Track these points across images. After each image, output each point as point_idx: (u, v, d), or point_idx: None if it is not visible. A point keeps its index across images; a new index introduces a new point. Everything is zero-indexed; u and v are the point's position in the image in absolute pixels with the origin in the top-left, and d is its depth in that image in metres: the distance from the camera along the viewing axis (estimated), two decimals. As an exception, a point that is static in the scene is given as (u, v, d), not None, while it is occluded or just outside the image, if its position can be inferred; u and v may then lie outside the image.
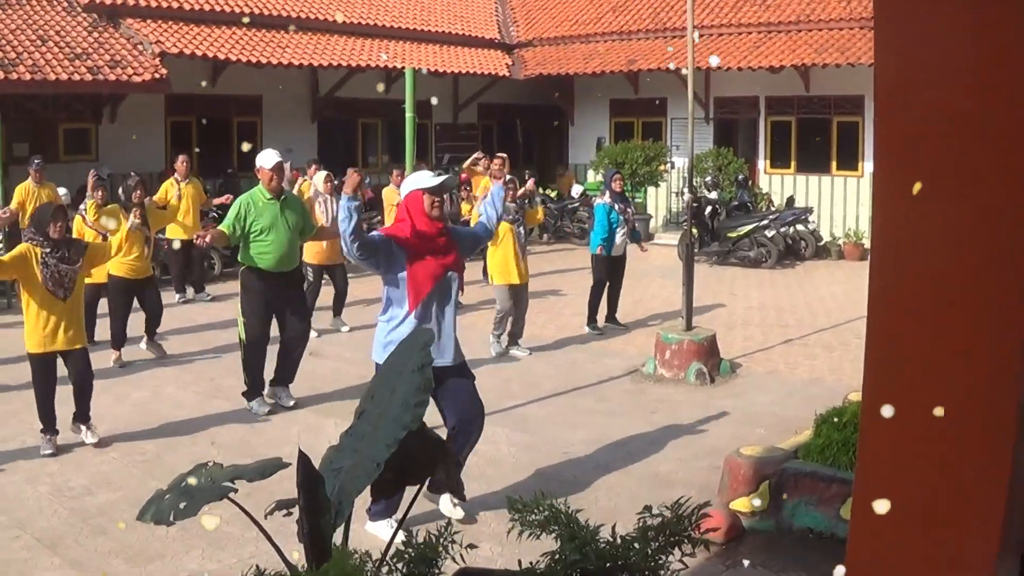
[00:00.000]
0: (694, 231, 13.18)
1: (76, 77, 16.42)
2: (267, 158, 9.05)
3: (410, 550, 3.23)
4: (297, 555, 3.21)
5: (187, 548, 6.05)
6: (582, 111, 25.45)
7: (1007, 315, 2.28)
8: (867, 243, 18.07)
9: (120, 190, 11.14)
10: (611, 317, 12.85)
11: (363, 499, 3.55)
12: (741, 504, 6.47)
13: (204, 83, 18.42)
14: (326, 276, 12.82)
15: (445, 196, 6.42)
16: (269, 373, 9.26)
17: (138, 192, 10.57)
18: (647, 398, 9.61)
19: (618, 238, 12.39)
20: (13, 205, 13.64)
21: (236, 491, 3.15)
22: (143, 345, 11.24)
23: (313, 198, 12.81)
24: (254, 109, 21.48)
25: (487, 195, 7.11)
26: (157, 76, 17.27)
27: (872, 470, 2.55)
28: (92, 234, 10.50)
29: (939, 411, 2.32)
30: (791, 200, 21.04)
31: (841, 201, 21.14)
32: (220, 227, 8.97)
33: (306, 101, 22.48)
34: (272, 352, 9.29)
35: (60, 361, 8.04)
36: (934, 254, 2.37)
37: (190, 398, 9.59)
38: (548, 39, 25.72)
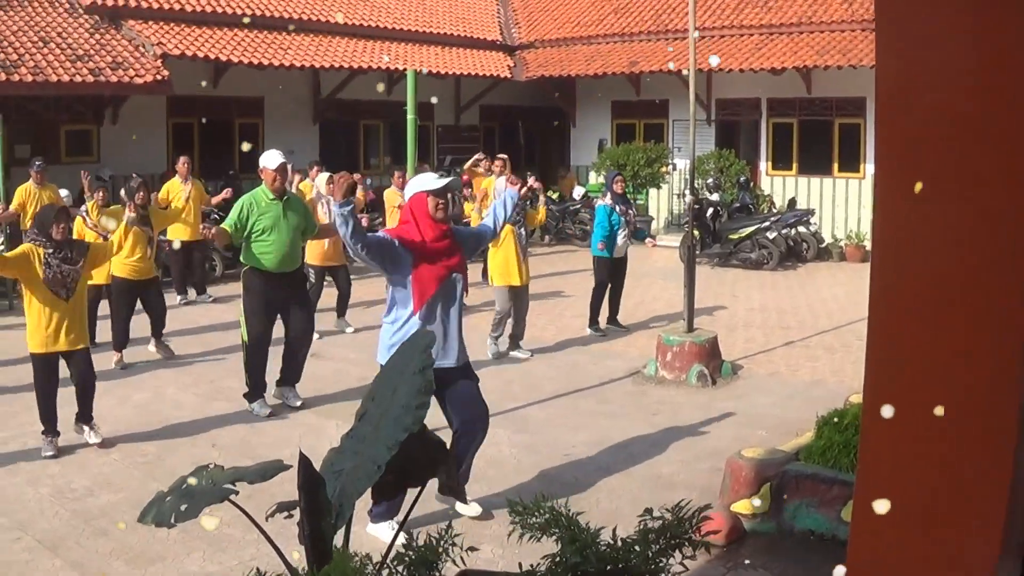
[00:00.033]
0: (696, 233, 13.18)
1: (78, 78, 16.42)
2: (271, 159, 9.05)
3: (411, 552, 3.23)
4: (297, 555, 3.21)
5: (188, 550, 6.05)
6: (584, 113, 25.45)
7: (1008, 316, 2.28)
8: (868, 245, 18.05)
9: (122, 191, 11.15)
10: (613, 319, 12.85)
11: (364, 501, 3.55)
12: (742, 506, 6.47)
13: (204, 83, 18.43)
14: (329, 277, 12.82)
15: (449, 198, 6.45)
16: (271, 374, 9.26)
17: (141, 194, 10.59)
18: (648, 400, 9.61)
19: (619, 240, 12.39)
20: (14, 206, 13.65)
21: (237, 493, 3.15)
22: (151, 347, 11.26)
23: (315, 199, 12.82)
24: (256, 110, 21.48)
25: (502, 197, 7.11)
26: (159, 77, 17.27)
27: (873, 470, 2.55)
28: (93, 235, 10.51)
29: (939, 411, 2.32)
30: (793, 202, 21.05)
31: (843, 203, 21.14)
32: (223, 225, 8.98)
33: (308, 103, 22.48)
34: (276, 353, 9.30)
35: (62, 363, 8.05)
36: (935, 255, 2.37)
37: (191, 400, 9.59)
38: (550, 41, 25.72)
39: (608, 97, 24.76)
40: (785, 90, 21.71)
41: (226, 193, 14.10)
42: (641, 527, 3.31)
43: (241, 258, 9.16)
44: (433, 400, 3.75)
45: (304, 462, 3.09)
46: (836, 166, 21.54)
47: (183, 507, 3.08)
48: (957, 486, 2.40)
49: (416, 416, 3.15)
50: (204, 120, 19.94)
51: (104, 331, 11.23)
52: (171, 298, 13.31)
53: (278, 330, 9.23)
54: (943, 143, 2.33)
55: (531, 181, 10.87)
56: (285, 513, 3.33)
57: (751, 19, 22.30)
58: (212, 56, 18.59)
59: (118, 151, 18.76)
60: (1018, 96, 2.21)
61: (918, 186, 2.32)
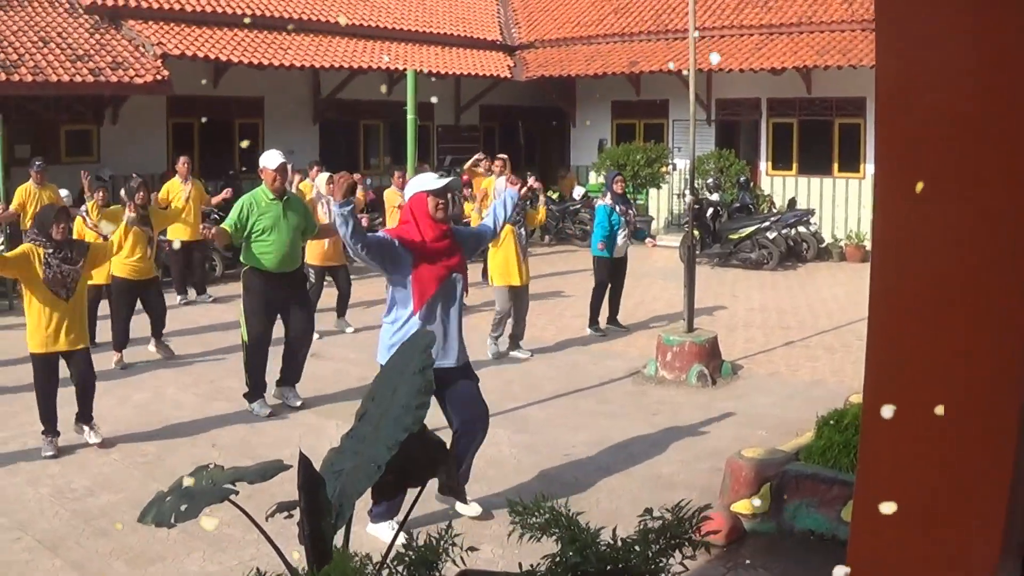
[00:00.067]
0: (696, 233, 13.17)
1: (78, 79, 16.42)
2: (271, 159, 9.05)
3: (410, 552, 3.23)
4: (297, 555, 3.21)
5: (188, 550, 6.05)
6: (584, 113, 25.44)
7: (1008, 316, 2.28)
8: (868, 245, 18.05)
9: (122, 191, 11.15)
10: (613, 319, 12.84)
11: (364, 501, 3.56)
12: (742, 506, 6.47)
13: (204, 80, 18.43)
14: (329, 277, 12.82)
15: (449, 198, 6.47)
16: (271, 375, 9.26)
17: (141, 194, 10.60)
18: (648, 400, 9.61)
19: (619, 240, 12.38)
20: (13, 206, 13.66)
21: (237, 493, 3.15)
22: (151, 347, 11.26)
23: (316, 199, 12.82)
24: (256, 111, 21.48)
25: (502, 197, 7.11)
26: (159, 78, 17.27)
27: (873, 470, 2.55)
28: (93, 235, 10.51)
29: (939, 410, 2.32)
30: (793, 202, 21.05)
31: (843, 203, 21.14)
32: (223, 225, 8.99)
33: (308, 103, 22.48)
34: (276, 354, 9.30)
35: (62, 363, 8.05)
36: (935, 255, 2.37)
37: (191, 400, 9.59)
38: (550, 41, 25.72)
39: (608, 97, 24.77)
40: (785, 90, 21.71)
41: (226, 193, 14.10)
42: (641, 527, 3.31)
43: (241, 258, 9.16)
44: (433, 400, 3.75)
45: (304, 462, 3.09)
46: (836, 166, 21.54)
47: (183, 507, 3.08)
48: (957, 486, 2.41)
49: (416, 416, 3.15)
50: (204, 120, 19.95)
51: (104, 331, 11.23)
52: (171, 298, 13.32)
53: (278, 330, 9.23)
54: (943, 143, 2.33)
55: (531, 181, 10.87)
56: (285, 513, 3.33)
57: (751, 19, 22.30)
58: (212, 56, 18.60)
59: (118, 151, 18.76)
60: (1018, 96, 2.21)
61: (919, 186, 2.32)
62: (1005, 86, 2.22)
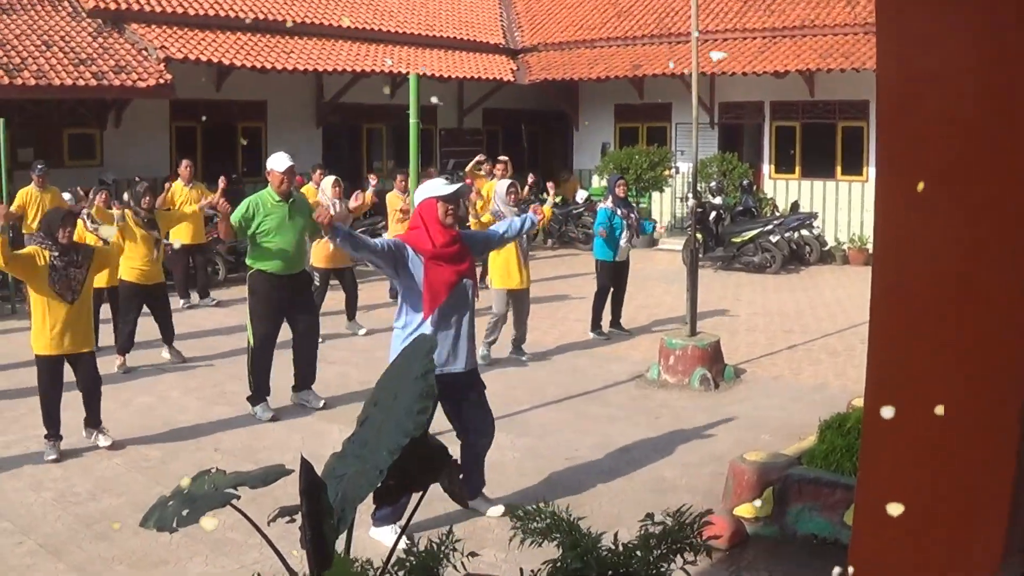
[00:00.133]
0: (698, 236, 13.18)
1: (81, 82, 16.45)
2: (279, 161, 9.07)
3: (411, 558, 3.23)
4: (296, 553, 3.21)
5: (191, 554, 6.06)
6: (587, 116, 25.45)
7: (1009, 316, 2.28)
8: (872, 248, 18.05)
9: (125, 195, 11.17)
10: (615, 323, 12.84)
11: (366, 505, 3.56)
12: (745, 510, 6.47)
13: (204, 79, 18.44)
14: (334, 280, 12.83)
15: (458, 203, 6.52)
16: (275, 379, 9.25)
17: (147, 198, 10.62)
18: (651, 404, 9.61)
19: (622, 242, 12.37)
20: (14, 207, 13.69)
21: (239, 498, 3.15)
22: (165, 353, 11.28)
23: (321, 202, 12.81)
24: (258, 114, 21.50)
25: (523, 217, 7.27)
26: (162, 81, 17.30)
27: (874, 471, 2.55)
28: (93, 238, 10.52)
29: (939, 410, 2.32)
30: (796, 205, 21.05)
31: (846, 206, 21.12)
32: (231, 218, 8.97)
33: (311, 106, 22.50)
34: (282, 360, 9.31)
35: (67, 367, 8.06)
36: (935, 255, 2.37)
37: (194, 403, 9.60)
38: (553, 44, 25.75)
39: (611, 100, 24.78)
40: (788, 93, 21.70)
41: (223, 182, 14.13)
42: (642, 532, 3.31)
43: (247, 260, 9.19)
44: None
45: (306, 467, 3.09)
46: (839, 169, 21.53)
47: (185, 512, 3.08)
48: (959, 486, 2.40)
49: (418, 421, 3.15)
50: (206, 123, 19.98)
51: (105, 335, 11.24)
52: (174, 302, 13.34)
53: (283, 334, 9.25)
54: (944, 144, 2.33)
55: (531, 180, 10.87)
56: (287, 518, 3.33)
57: (754, 22, 22.32)
58: (215, 60, 18.63)
59: (121, 155, 18.79)
60: (1019, 96, 2.21)
61: (920, 185, 2.32)
62: (1006, 87, 2.22)
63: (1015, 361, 2.28)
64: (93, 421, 8.23)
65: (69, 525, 6.57)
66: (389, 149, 24.40)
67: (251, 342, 9.08)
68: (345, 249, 6.11)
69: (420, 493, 3.46)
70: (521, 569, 3.35)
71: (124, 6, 18.65)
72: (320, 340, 10.28)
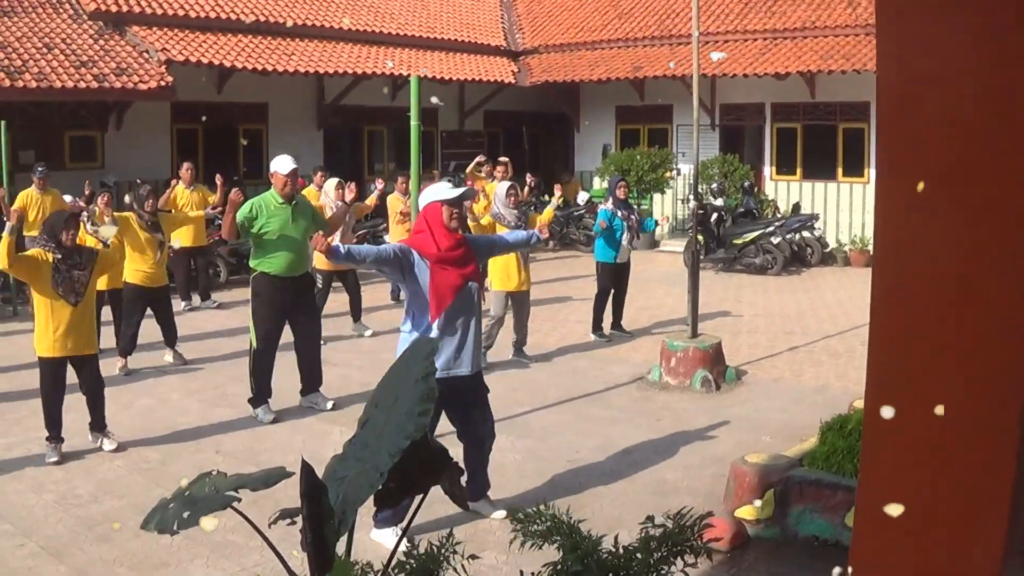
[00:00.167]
0: (700, 238, 13.17)
1: (82, 85, 16.46)
2: (283, 164, 9.07)
3: (411, 561, 3.23)
4: (296, 554, 3.21)
5: (192, 556, 6.06)
6: (588, 118, 25.46)
7: (1009, 316, 2.28)
8: (872, 250, 18.05)
9: (127, 198, 11.17)
10: (616, 324, 12.82)
11: (367, 507, 3.56)
12: (746, 512, 6.46)
13: (205, 80, 18.44)
14: (337, 282, 12.84)
15: (463, 207, 6.56)
16: (276, 380, 9.25)
17: (150, 201, 10.62)
18: (652, 405, 9.60)
19: (624, 242, 12.36)
20: (14, 208, 13.68)
21: (239, 500, 3.15)
22: (168, 357, 11.27)
23: (324, 204, 12.80)
24: (260, 116, 21.52)
25: (530, 233, 7.36)
26: (163, 83, 17.31)
27: (875, 471, 2.55)
28: (94, 241, 10.53)
29: (939, 410, 2.32)
30: (797, 207, 21.03)
31: (847, 208, 21.12)
32: (236, 216, 8.96)
33: (312, 108, 22.51)
34: (284, 362, 9.32)
35: (70, 370, 8.07)
36: (935, 255, 2.37)
37: (195, 405, 9.60)
38: (554, 46, 25.75)
39: (612, 102, 24.79)
40: (789, 95, 21.70)
41: (220, 180, 14.14)
42: (643, 534, 3.31)
43: (250, 262, 9.20)
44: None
45: (306, 469, 3.09)
46: (840, 171, 21.52)
47: (186, 514, 3.08)
48: (959, 487, 2.40)
49: (419, 423, 3.15)
50: (207, 125, 19.98)
51: (105, 337, 11.24)
52: (176, 304, 13.34)
53: (286, 335, 9.26)
54: (944, 145, 2.33)
55: (530, 179, 10.84)
56: (288, 520, 3.33)
57: (755, 24, 22.32)
58: (216, 62, 18.64)
59: (122, 157, 18.80)
60: (1019, 96, 2.22)
61: (920, 186, 2.32)
62: (1006, 88, 2.22)
63: (1015, 362, 2.28)
64: (98, 425, 8.24)
65: (70, 527, 6.58)
66: (390, 151, 24.41)
67: (253, 344, 9.09)
68: (351, 264, 6.18)
69: (421, 495, 3.47)
70: (521, 571, 3.35)
71: (125, 8, 18.67)
72: (322, 342, 10.28)
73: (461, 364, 6.39)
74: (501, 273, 11.02)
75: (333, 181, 12.66)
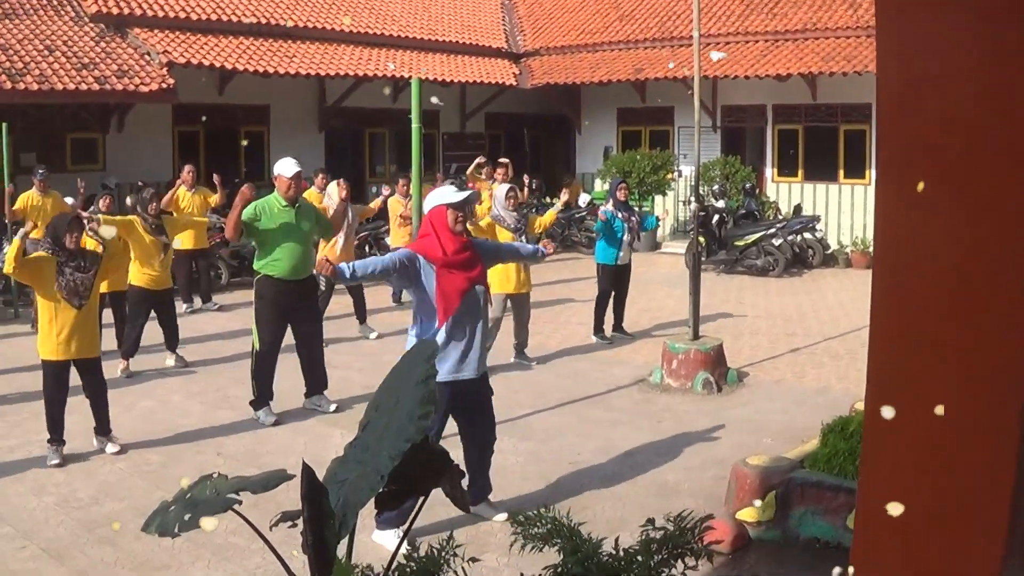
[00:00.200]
0: (701, 240, 13.16)
1: (83, 87, 16.47)
2: (287, 167, 9.07)
3: (411, 564, 3.22)
4: (296, 554, 3.21)
5: (193, 559, 6.05)
6: (589, 120, 25.45)
7: (1009, 315, 2.28)
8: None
9: (128, 200, 11.18)
10: (618, 326, 12.81)
11: (368, 510, 3.56)
12: (747, 514, 6.46)
13: (206, 81, 18.43)
14: (340, 284, 12.83)
15: (468, 210, 6.59)
16: (278, 383, 9.25)
17: (154, 204, 10.63)
18: (654, 407, 9.60)
19: (625, 240, 12.35)
20: (15, 209, 13.73)
21: (240, 503, 3.15)
22: (170, 361, 11.26)
23: (327, 206, 12.80)
24: (261, 118, 21.53)
25: (535, 247, 7.35)
26: (164, 86, 17.32)
27: (875, 472, 2.55)
28: (93, 243, 10.54)
29: (939, 410, 2.32)
30: (798, 208, 21.01)
31: (848, 209, 21.10)
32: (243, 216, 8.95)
33: (313, 111, 22.51)
34: (285, 364, 9.31)
35: (73, 372, 8.07)
36: (936, 255, 2.37)
37: (197, 408, 9.60)
38: (555, 48, 25.74)
39: (614, 104, 24.79)
40: (790, 96, 21.69)
41: (216, 179, 14.13)
42: (643, 537, 3.31)
43: (254, 265, 9.20)
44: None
45: (307, 472, 3.09)
46: (842, 172, 21.51)
47: (187, 517, 3.08)
48: (959, 487, 2.40)
49: (419, 426, 3.14)
50: (209, 127, 19.98)
51: (106, 339, 11.23)
52: (177, 306, 13.34)
53: (289, 338, 9.26)
54: (943, 144, 2.34)
55: (527, 182, 10.82)
56: (289, 522, 3.33)
57: (756, 26, 22.31)
58: (217, 64, 18.65)
59: (124, 159, 18.82)
60: (1018, 97, 2.22)
61: (920, 185, 2.32)
62: (1006, 88, 2.22)
63: (1015, 362, 2.28)
64: (103, 429, 8.24)
65: (71, 530, 6.57)
66: (391, 153, 24.41)
67: (256, 346, 9.10)
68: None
69: (422, 498, 3.46)
70: (522, 574, 3.35)
71: (127, 11, 18.68)
72: (324, 344, 10.28)
73: (467, 367, 6.41)
74: (500, 275, 10.96)
75: (334, 183, 12.67)
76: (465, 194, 6.47)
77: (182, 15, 19.40)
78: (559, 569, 3.20)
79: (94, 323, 8.11)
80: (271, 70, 19.41)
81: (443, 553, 3.27)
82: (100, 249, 8.99)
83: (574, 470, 7.73)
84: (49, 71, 16.38)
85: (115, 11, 18.52)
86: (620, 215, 12.34)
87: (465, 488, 3.86)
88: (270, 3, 21.56)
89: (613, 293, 12.57)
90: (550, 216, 12.13)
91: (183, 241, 13.63)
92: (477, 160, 16.23)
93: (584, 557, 3.15)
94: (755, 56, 21.34)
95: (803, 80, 20.86)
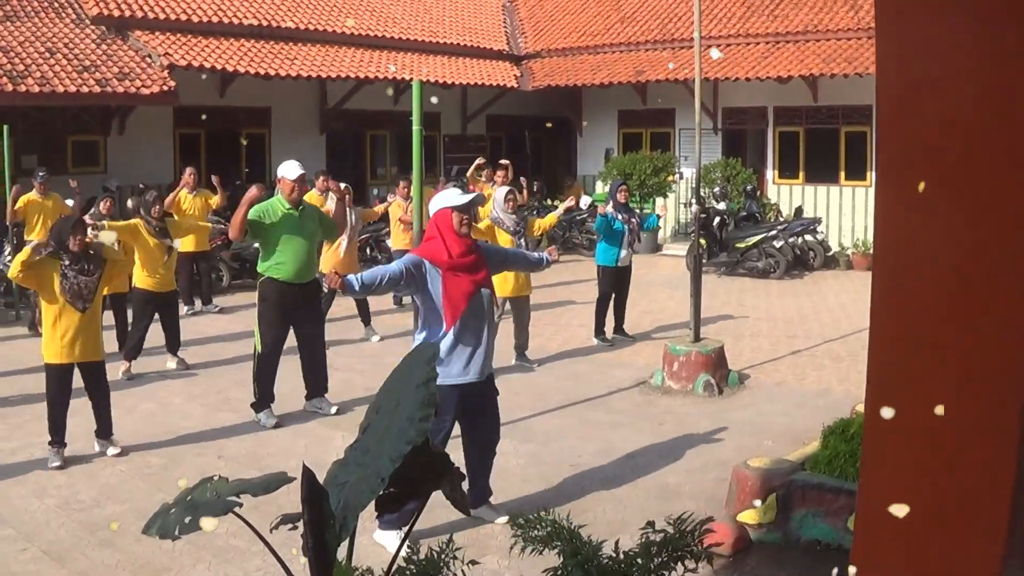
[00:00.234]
0: (702, 242, 13.15)
1: (84, 89, 16.48)
2: (290, 169, 9.06)
3: (412, 566, 3.22)
4: (296, 552, 3.21)
5: (194, 561, 6.05)
6: (590, 122, 25.45)
7: (1009, 316, 2.28)
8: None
9: (130, 203, 11.18)
10: (619, 328, 12.81)
11: (369, 512, 3.56)
12: (748, 516, 6.45)
13: (207, 81, 18.42)
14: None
15: (472, 213, 6.61)
16: (279, 385, 9.25)
17: (157, 207, 10.64)
18: (655, 410, 9.59)
19: (623, 249, 12.34)
20: (16, 209, 13.74)
21: (241, 505, 3.15)
22: (170, 363, 11.26)
23: (330, 208, 12.79)
24: (263, 121, 21.54)
25: (539, 255, 7.35)
26: (165, 88, 17.32)
27: (875, 472, 2.55)
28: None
29: (939, 410, 2.32)
30: (799, 210, 21.01)
31: (849, 211, 21.10)
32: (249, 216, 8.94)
33: (314, 113, 22.52)
34: (287, 367, 9.32)
35: (75, 375, 8.07)
36: (936, 255, 2.37)
37: (198, 410, 9.60)
38: (556, 50, 25.75)
39: (615, 106, 24.79)
40: (791, 98, 21.70)
41: (215, 180, 14.12)
42: (643, 539, 3.30)
43: (258, 268, 9.21)
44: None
45: (308, 474, 3.09)
46: (843, 174, 21.51)
47: (187, 519, 3.08)
48: (959, 487, 2.40)
49: (420, 429, 3.14)
50: (210, 129, 19.99)
51: (110, 342, 11.24)
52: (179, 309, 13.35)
53: (290, 340, 9.27)
54: (943, 145, 2.34)
55: (525, 184, 10.81)
56: (290, 525, 3.33)
57: (757, 28, 22.31)
58: (219, 66, 18.65)
59: (125, 162, 18.83)
60: (1018, 97, 2.22)
61: (920, 187, 2.33)
62: (1006, 89, 2.23)
63: (1015, 362, 2.28)
64: (105, 432, 8.24)
65: (72, 532, 6.57)
66: (393, 155, 24.42)
67: (258, 348, 9.10)
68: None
69: (422, 500, 3.47)
70: (523, 576, 3.35)
71: (128, 13, 18.69)
72: (326, 347, 10.28)
73: (475, 370, 6.42)
74: (498, 278, 10.93)
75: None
76: (470, 197, 6.48)
77: (183, 17, 19.41)
78: (559, 572, 3.20)
79: (98, 326, 8.12)
80: (272, 72, 19.41)
81: (443, 556, 3.27)
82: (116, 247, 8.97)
83: (575, 472, 7.73)
84: (50, 73, 16.39)
85: (116, 13, 18.54)
86: (620, 217, 12.33)
87: (465, 491, 3.86)
88: (271, 5, 21.57)
89: (614, 295, 12.57)
90: (550, 219, 12.11)
91: (185, 244, 13.66)
92: (477, 162, 16.23)
93: (584, 560, 3.15)
94: (756, 58, 21.34)
95: (804, 82, 20.86)
